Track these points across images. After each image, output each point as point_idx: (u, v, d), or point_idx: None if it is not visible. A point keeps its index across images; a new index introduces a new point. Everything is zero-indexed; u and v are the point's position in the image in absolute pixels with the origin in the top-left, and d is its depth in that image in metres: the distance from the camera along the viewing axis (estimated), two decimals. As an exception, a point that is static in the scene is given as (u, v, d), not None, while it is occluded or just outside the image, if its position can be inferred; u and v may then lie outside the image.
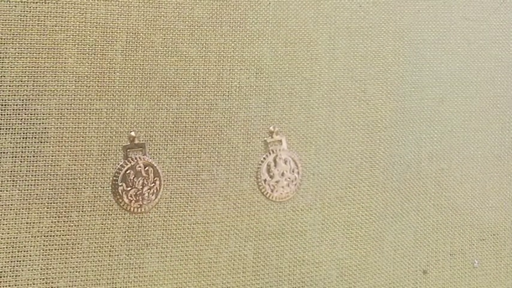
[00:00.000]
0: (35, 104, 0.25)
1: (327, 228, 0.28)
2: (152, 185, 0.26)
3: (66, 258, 0.25)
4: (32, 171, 0.25)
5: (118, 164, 0.26)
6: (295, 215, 0.28)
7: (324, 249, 0.28)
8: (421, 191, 0.30)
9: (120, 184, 0.26)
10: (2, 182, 0.25)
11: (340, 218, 0.29)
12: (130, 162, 0.26)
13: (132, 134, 0.26)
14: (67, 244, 0.25)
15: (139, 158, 0.26)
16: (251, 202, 0.28)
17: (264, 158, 0.28)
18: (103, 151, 0.26)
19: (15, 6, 0.25)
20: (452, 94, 0.31)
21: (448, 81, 0.31)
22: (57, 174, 0.25)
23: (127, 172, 0.26)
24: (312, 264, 0.28)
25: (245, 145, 0.28)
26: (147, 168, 0.26)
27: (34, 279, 0.25)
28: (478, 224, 0.30)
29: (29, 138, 0.25)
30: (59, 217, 0.25)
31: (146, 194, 0.26)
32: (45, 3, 0.26)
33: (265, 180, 0.27)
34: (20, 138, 0.25)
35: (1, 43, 0.25)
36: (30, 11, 0.25)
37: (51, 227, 0.25)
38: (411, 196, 0.30)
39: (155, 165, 0.26)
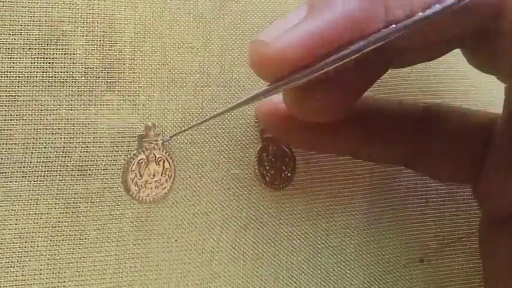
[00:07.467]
0: (45, 95, 0.25)
1: (322, 217, 0.29)
2: (163, 175, 0.26)
3: (73, 249, 0.25)
4: (43, 162, 0.25)
5: (131, 153, 0.26)
6: (292, 203, 0.28)
7: (319, 238, 0.29)
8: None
9: (131, 172, 0.26)
10: (11, 172, 0.24)
11: (335, 207, 0.29)
12: (144, 152, 0.26)
13: (149, 123, 0.26)
14: (74, 235, 0.25)
15: (154, 148, 0.26)
16: (250, 191, 0.28)
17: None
18: (114, 142, 0.26)
19: (24, -2, 0.25)
20: (450, 89, 0.31)
21: (444, 77, 0.32)
22: (67, 166, 0.25)
23: (139, 161, 0.26)
24: (308, 253, 0.28)
25: (243, 136, 0.28)
26: (159, 158, 0.26)
27: (41, 269, 0.25)
28: (476, 215, 0.31)
29: (40, 129, 0.25)
30: (67, 208, 0.25)
31: (157, 184, 0.26)
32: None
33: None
34: (30, 129, 0.25)
35: (10, 34, 0.25)
36: (37, 3, 0.25)
37: (59, 217, 0.25)
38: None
39: (168, 155, 0.26)
